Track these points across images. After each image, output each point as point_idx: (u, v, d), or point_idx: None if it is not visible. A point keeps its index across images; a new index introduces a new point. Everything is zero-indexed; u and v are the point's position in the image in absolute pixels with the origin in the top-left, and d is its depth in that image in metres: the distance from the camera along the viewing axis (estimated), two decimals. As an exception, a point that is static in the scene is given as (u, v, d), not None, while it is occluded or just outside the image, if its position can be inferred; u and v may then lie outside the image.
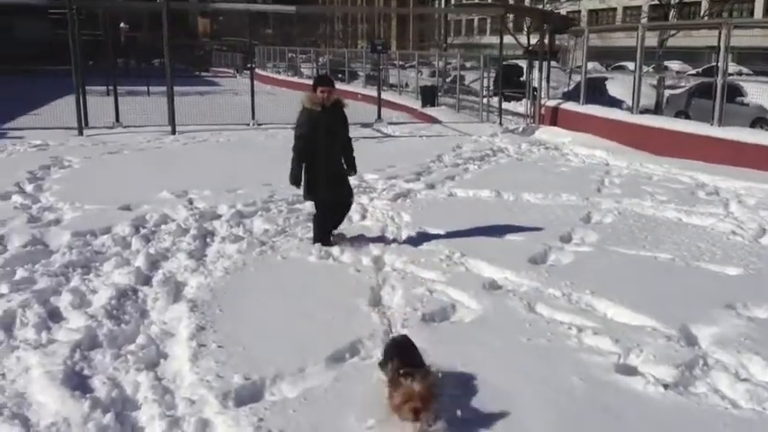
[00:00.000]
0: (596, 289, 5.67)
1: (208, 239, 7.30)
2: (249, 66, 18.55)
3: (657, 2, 32.54)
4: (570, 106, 16.80)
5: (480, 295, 5.64)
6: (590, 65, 17.92)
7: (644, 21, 34.32)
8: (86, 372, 4.32)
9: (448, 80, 26.02)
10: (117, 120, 16.05)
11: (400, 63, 31.76)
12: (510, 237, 7.41)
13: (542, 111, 17.58)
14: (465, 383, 4.15)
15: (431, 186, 10.23)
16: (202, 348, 4.62)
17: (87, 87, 16.36)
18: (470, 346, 4.71)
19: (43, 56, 34.67)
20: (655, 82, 17.85)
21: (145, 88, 25.03)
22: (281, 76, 38.52)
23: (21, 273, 5.94)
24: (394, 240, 7.27)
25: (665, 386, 4.08)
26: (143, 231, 7.39)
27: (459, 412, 3.76)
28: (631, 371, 4.34)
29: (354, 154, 7.15)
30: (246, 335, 4.84)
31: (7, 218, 7.62)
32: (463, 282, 5.96)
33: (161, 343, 4.79)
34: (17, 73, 30.65)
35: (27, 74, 31.03)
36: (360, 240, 7.15)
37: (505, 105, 19.27)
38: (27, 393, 4.03)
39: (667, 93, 18.25)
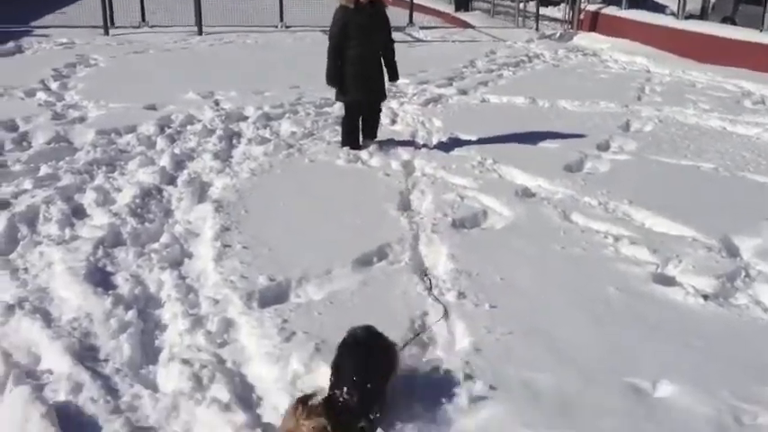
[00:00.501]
0: (634, 198, 5.44)
1: (234, 141, 7.13)
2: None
3: None
4: (611, 11, 16.05)
5: (513, 202, 5.44)
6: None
7: None
8: (109, 268, 4.25)
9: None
10: (143, 19, 15.64)
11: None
12: (544, 144, 7.15)
13: (581, 16, 16.83)
14: (495, 290, 4.01)
15: (463, 92, 9.88)
16: (227, 249, 4.52)
17: (112, -15, 15.90)
18: (502, 253, 4.56)
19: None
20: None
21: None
22: (311, -21, 37.37)
23: (45, 169, 5.84)
24: (424, 146, 7.04)
25: (705, 297, 3.91)
26: (168, 131, 7.23)
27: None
28: (670, 281, 4.16)
29: (396, 58, 6.84)
30: (272, 237, 4.73)
31: (32, 114, 7.48)
32: (495, 188, 5.75)
33: (185, 242, 4.70)
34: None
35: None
36: (389, 145, 6.93)
37: (542, 11, 18.46)
38: (49, 288, 3.98)
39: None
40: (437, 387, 3.08)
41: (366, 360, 2.88)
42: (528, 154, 6.75)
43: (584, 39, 15.71)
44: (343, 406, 2.67)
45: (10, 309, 3.65)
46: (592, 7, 16.76)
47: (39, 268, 4.21)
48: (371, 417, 2.69)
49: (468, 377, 3.13)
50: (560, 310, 3.81)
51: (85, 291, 3.88)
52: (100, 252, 4.39)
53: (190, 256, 4.53)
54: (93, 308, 3.72)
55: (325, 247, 4.55)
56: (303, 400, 2.64)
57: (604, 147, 7.11)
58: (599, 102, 9.19)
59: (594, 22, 16.26)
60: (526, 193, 5.71)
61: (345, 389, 2.73)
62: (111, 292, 3.91)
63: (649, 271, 4.24)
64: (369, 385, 2.75)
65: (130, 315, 3.66)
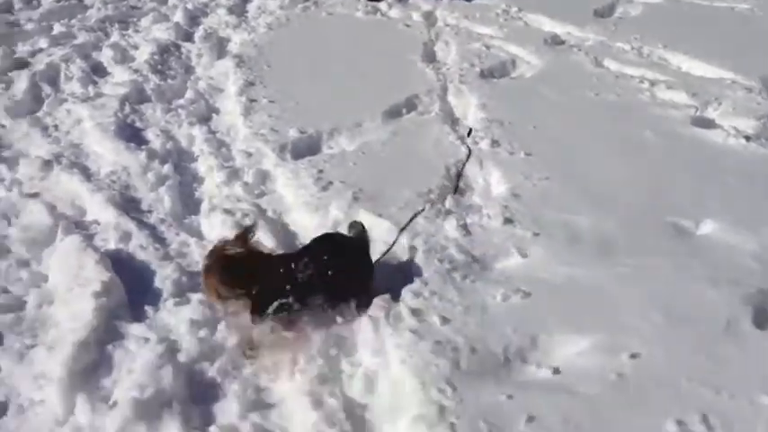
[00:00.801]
0: (669, 42, 5.25)
1: (248, -6, 6.87)
2: None
3: None
4: None
5: (542, 50, 5.28)
6: None
7: None
8: (138, 124, 4.24)
9: None
10: None
11: None
12: (572, -10, 6.83)
13: None
14: (529, 138, 3.95)
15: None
16: (253, 103, 4.45)
17: None
18: (533, 101, 4.46)
19: None
20: None
21: None
22: None
23: (58, 27, 5.72)
24: (444, -6, 6.76)
25: (747, 138, 3.83)
26: (180, -14, 6.96)
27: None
28: (709, 124, 4.07)
29: None
30: (297, 90, 4.64)
31: (37, -28, 7.19)
32: (522, 37, 5.57)
33: (210, 98, 4.65)
34: None
35: None
36: (409, -5, 6.66)
37: None
38: (82, 144, 3.97)
39: None
40: (478, 229, 3.10)
41: (341, 253, 2.65)
42: (555, 0, 6.47)
43: None
44: (283, 270, 2.52)
45: (47, 164, 3.67)
46: None
47: (68, 125, 4.20)
48: (295, 303, 2.49)
49: (509, 221, 3.14)
50: (597, 155, 3.76)
51: (118, 146, 3.87)
52: (127, 108, 4.34)
53: (217, 111, 4.49)
54: (129, 162, 3.73)
55: (353, 100, 4.47)
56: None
57: (636, -10, 6.79)
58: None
59: None
60: (555, 41, 5.53)
61: (306, 260, 2.56)
62: (144, 146, 3.90)
63: (688, 114, 4.15)
64: (329, 273, 2.55)
65: (167, 168, 3.67)
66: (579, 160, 3.72)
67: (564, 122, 4.16)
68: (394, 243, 2.98)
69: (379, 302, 2.57)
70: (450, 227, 3.10)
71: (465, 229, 3.09)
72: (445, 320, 2.45)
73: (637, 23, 5.80)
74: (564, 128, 4.09)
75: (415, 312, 2.49)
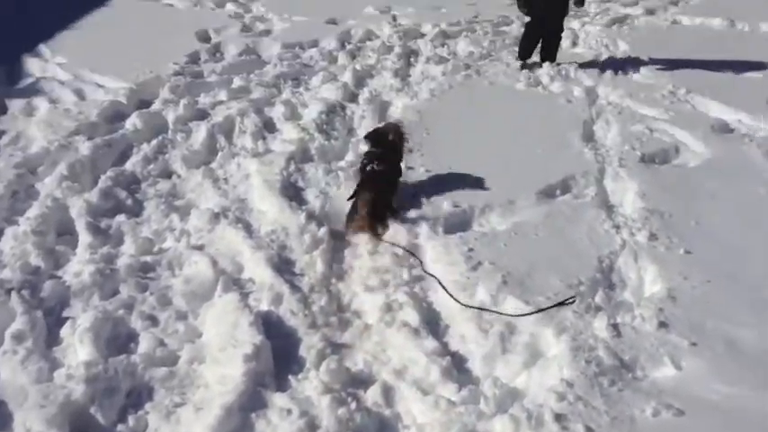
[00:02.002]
0: None
1: (412, 59, 7.12)
2: None
3: None
4: None
5: (708, 138, 5.07)
6: None
7: None
8: (300, 183, 4.44)
9: None
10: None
11: None
12: (744, 73, 6.56)
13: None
14: (690, 234, 3.80)
15: (650, 12, 9.19)
16: (409, 171, 4.55)
17: None
18: (696, 193, 4.29)
19: None
20: None
21: None
22: None
23: (237, 81, 6.14)
24: (609, 70, 6.66)
25: None
26: (348, 47, 7.36)
27: None
28: None
29: (561, 38, 6.82)
30: (454, 161, 4.70)
31: (223, 26, 7.83)
32: (688, 121, 5.38)
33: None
34: None
35: None
36: (571, 69, 6.62)
37: None
38: (248, 199, 4.22)
39: None
40: (629, 330, 3.00)
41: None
42: (726, 84, 6.23)
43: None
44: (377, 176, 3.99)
45: (215, 217, 3.92)
46: None
47: (237, 179, 4.48)
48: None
49: (663, 325, 3.02)
50: (763, 260, 3.56)
51: (281, 204, 4.08)
52: (292, 166, 4.58)
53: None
54: (289, 222, 3.91)
55: (508, 176, 4.48)
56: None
57: (816, 78, 6.41)
58: (810, 26, 8.24)
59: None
60: (724, 128, 5.30)
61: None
62: (304, 207, 4.09)
63: None
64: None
65: (322, 232, 3.81)
66: (745, 264, 3.53)
67: (729, 220, 3.97)
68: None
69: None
70: (600, 325, 3.02)
71: (615, 329, 3.01)
72: (589, 431, 2.38)
73: (817, 116, 5.46)
74: (729, 226, 3.90)
75: (558, 418, 2.44)
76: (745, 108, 5.56)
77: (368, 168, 4.06)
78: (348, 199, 3.99)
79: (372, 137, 4.31)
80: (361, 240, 3.83)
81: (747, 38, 7.96)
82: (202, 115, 5.42)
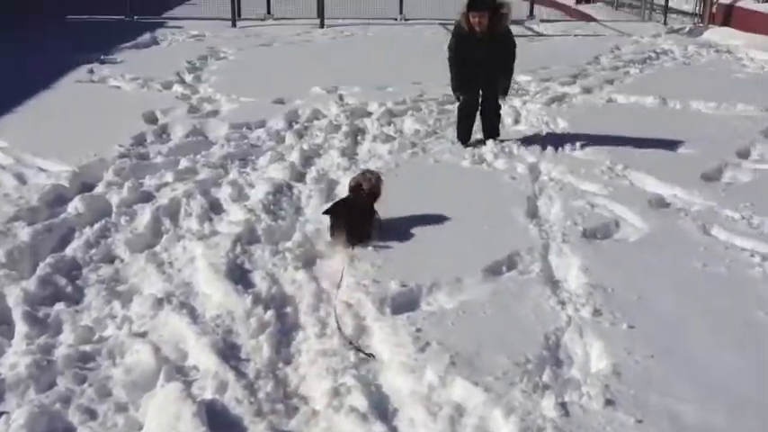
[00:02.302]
0: (782, 213, 5.11)
1: (358, 137, 7.23)
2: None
3: None
4: (747, 4, 15.10)
5: (646, 213, 5.23)
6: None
7: None
8: (247, 266, 4.40)
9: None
10: (268, 12, 16.12)
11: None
12: (678, 149, 6.83)
13: (713, 9, 15.94)
14: (632, 309, 3.87)
15: (588, 91, 9.57)
16: (358, 250, 4.57)
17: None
18: (637, 268, 4.39)
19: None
20: None
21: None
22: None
23: (184, 162, 6.13)
24: (550, 147, 6.86)
25: None
26: (296, 126, 7.44)
27: None
28: (826, 309, 3.88)
29: (512, 79, 6.96)
30: (401, 239, 4.75)
31: (169, 107, 7.88)
32: (627, 196, 5.54)
33: (316, 241, 4.79)
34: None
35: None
36: (513, 146, 6.81)
37: (670, 2, 17.61)
38: (193, 283, 4.17)
39: None
40: (577, 409, 3.01)
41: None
42: (661, 160, 6.47)
43: (717, 34, 14.87)
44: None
45: (159, 302, 3.85)
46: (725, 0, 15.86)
47: (182, 262, 4.42)
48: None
49: (610, 402, 3.04)
50: (704, 335, 3.64)
51: (227, 287, 4.03)
52: (238, 248, 4.55)
53: (321, 256, 4.62)
54: (235, 305, 3.86)
55: (455, 253, 4.54)
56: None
57: (745, 154, 6.71)
58: (736, 104, 8.67)
59: (728, 16, 15.38)
60: (660, 203, 5.48)
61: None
62: (250, 290, 4.04)
63: (803, 297, 3.97)
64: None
65: (269, 315, 3.77)
66: (685, 339, 3.60)
67: (669, 294, 4.06)
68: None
69: None
70: (548, 404, 3.02)
71: (563, 408, 3.01)
72: None
73: (746, 190, 5.69)
74: (669, 300, 3.99)
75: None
76: (679, 183, 5.77)
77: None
78: (324, 212, 4.80)
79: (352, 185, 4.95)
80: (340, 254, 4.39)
81: (679, 115, 8.34)
82: (147, 198, 5.38)
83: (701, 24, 16.03)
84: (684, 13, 18.21)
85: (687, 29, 15.80)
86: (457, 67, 6.63)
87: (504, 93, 6.86)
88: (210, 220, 5.07)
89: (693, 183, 5.82)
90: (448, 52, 6.71)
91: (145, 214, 5.02)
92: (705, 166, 6.21)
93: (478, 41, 6.40)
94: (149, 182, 5.68)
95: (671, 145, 6.92)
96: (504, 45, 6.58)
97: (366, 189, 4.86)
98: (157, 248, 4.61)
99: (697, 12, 16.77)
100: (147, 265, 4.35)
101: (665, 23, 16.68)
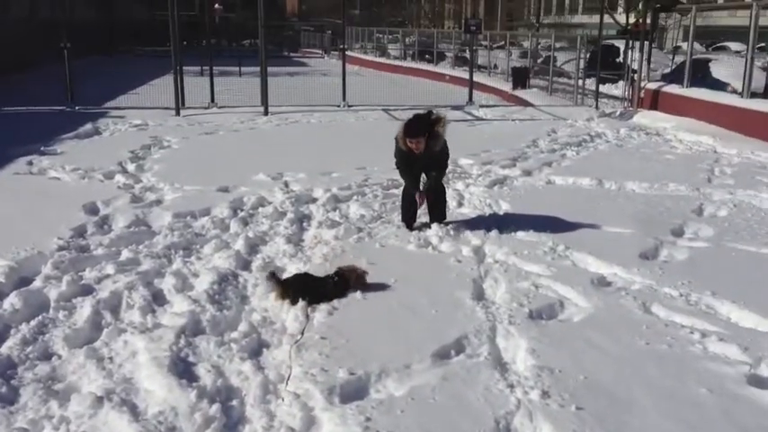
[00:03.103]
0: (717, 289, 5.29)
1: (304, 224, 7.24)
2: (341, 46, 18.43)
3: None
4: (673, 89, 15.98)
5: (589, 292, 5.34)
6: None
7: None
8: (191, 359, 4.29)
9: (539, 61, 25.32)
10: (212, 100, 16.28)
11: (489, 44, 31.07)
12: (616, 229, 7.04)
13: (642, 94, 16.80)
14: (580, 390, 3.90)
15: (527, 173, 9.88)
16: (305, 339, 4.52)
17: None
18: (583, 349, 4.44)
19: (141, 36, 35.78)
20: (761, 64, 16.84)
21: (236, 68, 25.40)
22: (369, 57, 38.49)
23: (126, 253, 6.02)
24: (493, 229, 6.99)
25: (807, 403, 3.71)
26: (241, 214, 7.41)
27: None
28: (765, 383, 3.98)
29: (446, 198, 7.27)
30: (349, 326, 4.72)
31: (111, 197, 7.78)
32: (570, 277, 5.66)
33: (263, 331, 4.73)
34: (116, 52, 31.72)
35: (125, 53, 32.08)
36: (458, 229, 6.92)
37: (600, 88, 18.51)
38: (134, 379, 4.03)
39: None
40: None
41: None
42: (600, 240, 6.66)
43: (646, 117, 15.64)
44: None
45: (99, 401, 3.70)
46: (652, 85, 16.75)
47: (123, 357, 4.28)
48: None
49: (562, 488, 3.02)
50: (651, 414, 3.67)
51: (170, 383, 3.91)
52: (182, 341, 4.44)
53: (268, 345, 4.55)
54: (178, 401, 3.74)
55: (403, 338, 4.53)
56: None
57: (679, 232, 6.97)
58: (668, 184, 9.06)
59: (655, 101, 16.21)
60: (602, 282, 5.61)
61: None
62: (194, 384, 3.93)
63: (742, 372, 4.07)
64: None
65: (214, 410, 3.66)
66: (633, 419, 3.63)
67: (615, 374, 4.11)
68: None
69: None
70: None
71: (516, 496, 2.97)
72: None
73: (683, 268, 5.88)
74: (615, 380, 4.03)
75: None
76: (618, 262, 5.94)
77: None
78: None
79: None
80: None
81: (614, 195, 8.64)
82: (87, 291, 5.24)
83: (630, 108, 16.83)
84: (615, 98, 19.16)
85: (618, 112, 16.56)
86: (401, 171, 6.96)
87: (441, 215, 7.16)
88: (153, 312, 4.95)
89: (632, 261, 5.99)
90: (396, 167, 6.99)
91: (84, 308, 4.88)
92: (642, 245, 6.42)
93: (417, 159, 6.75)
94: (89, 274, 5.55)
95: (609, 224, 7.14)
96: (441, 158, 6.90)
97: (346, 274, 5.37)
98: (97, 344, 4.46)
99: (626, 96, 17.64)
100: (86, 361, 4.20)
101: (596, 107, 17.45)
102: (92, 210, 7.28)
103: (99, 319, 4.79)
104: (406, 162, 6.81)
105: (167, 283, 5.43)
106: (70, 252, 5.99)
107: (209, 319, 4.81)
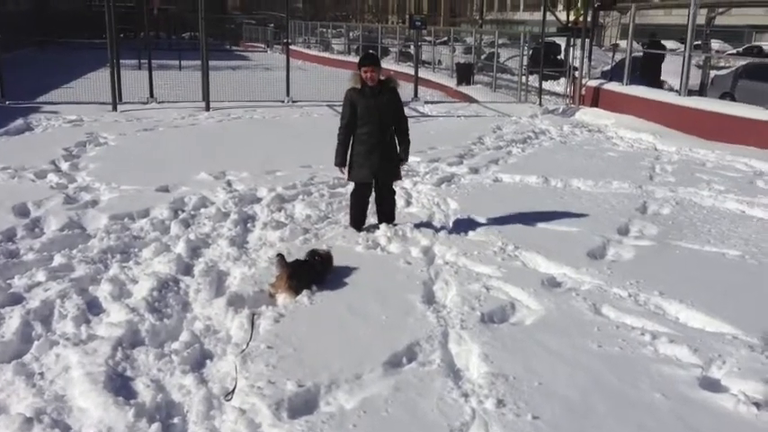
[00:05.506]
0: (665, 289, 5.30)
1: (249, 225, 7.02)
2: (285, 41, 18.15)
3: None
4: (613, 86, 16.24)
5: (540, 293, 5.29)
6: (625, 43, 17.29)
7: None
8: (129, 373, 4.06)
9: (482, 57, 25.44)
10: (151, 95, 15.78)
11: (433, 39, 31.10)
12: (564, 227, 7.04)
13: (583, 91, 17.01)
14: (535, 397, 3.82)
15: (475, 171, 9.84)
16: (251, 348, 4.33)
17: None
18: (536, 353, 4.37)
19: (76, 27, 34.62)
20: (699, 61, 17.27)
21: (176, 62, 24.77)
22: (312, 52, 38.08)
23: (58, 259, 5.71)
24: (442, 229, 6.91)
25: (757, 405, 3.71)
26: (182, 215, 7.13)
27: None
28: (716, 386, 3.96)
29: (410, 138, 6.78)
30: (296, 334, 4.55)
31: (43, 198, 7.39)
32: (520, 278, 5.60)
33: (206, 341, 4.52)
34: (49, 44, 30.62)
35: (59, 45, 30.99)
36: (407, 229, 6.78)
37: (543, 85, 18.68)
38: (67, 397, 3.78)
39: (712, 73, 17.61)
40: None
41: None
42: (549, 238, 6.63)
43: (587, 114, 15.84)
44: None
45: (28, 422, 3.45)
46: (593, 83, 16.98)
47: (55, 372, 4.02)
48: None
49: (521, 504, 2.92)
50: (606, 420, 3.62)
51: (106, 400, 3.67)
52: (119, 354, 4.20)
53: (211, 357, 4.34)
54: (115, 420, 3.51)
55: (352, 346, 4.38)
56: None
57: (624, 231, 7.01)
58: (612, 181, 9.15)
59: (596, 98, 16.44)
60: (552, 283, 5.57)
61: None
62: (132, 401, 3.70)
63: (694, 375, 4.06)
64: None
65: (154, 429, 3.45)
66: (589, 426, 3.57)
67: (569, 379, 4.05)
68: None
69: None
70: None
71: None
72: None
73: (630, 267, 5.89)
74: (570, 386, 3.97)
75: None
76: (567, 262, 5.91)
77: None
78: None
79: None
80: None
81: (561, 193, 8.66)
82: (16, 300, 4.92)
83: (572, 105, 17.02)
84: (557, 95, 19.37)
85: (561, 109, 16.75)
86: (346, 137, 6.57)
87: (405, 156, 6.82)
88: (88, 322, 4.68)
89: (581, 261, 5.97)
90: (340, 122, 6.64)
91: (13, 319, 4.58)
92: (590, 244, 6.42)
93: (370, 95, 6.42)
94: (19, 282, 5.23)
95: (557, 223, 7.14)
96: (395, 98, 6.61)
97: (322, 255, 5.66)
98: (27, 357, 4.17)
99: (568, 93, 17.83)
100: (14, 377, 3.92)
101: (540, 104, 17.59)
102: (22, 212, 6.90)
103: (29, 330, 4.49)
104: (354, 105, 6.44)
105: (103, 291, 5.15)
106: (-3, 258, 5.65)
107: (149, 328, 4.56)
